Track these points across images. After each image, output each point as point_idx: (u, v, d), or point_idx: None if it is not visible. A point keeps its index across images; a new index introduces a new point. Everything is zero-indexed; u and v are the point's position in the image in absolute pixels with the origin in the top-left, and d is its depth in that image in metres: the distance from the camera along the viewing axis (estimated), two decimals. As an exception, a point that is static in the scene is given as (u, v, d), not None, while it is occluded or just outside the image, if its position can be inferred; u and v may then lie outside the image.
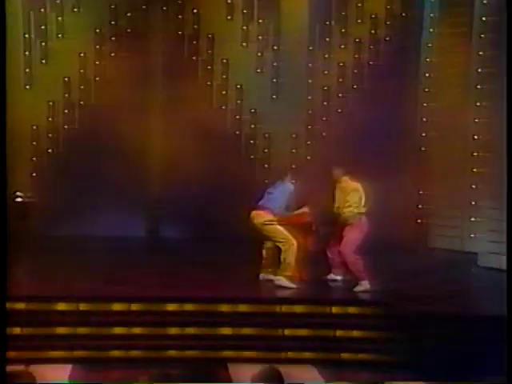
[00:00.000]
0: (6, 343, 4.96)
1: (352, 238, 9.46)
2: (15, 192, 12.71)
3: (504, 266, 10.43)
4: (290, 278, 9.47)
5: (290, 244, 9.40)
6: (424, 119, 12.85)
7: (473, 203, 12.05)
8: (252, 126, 13.15)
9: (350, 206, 9.43)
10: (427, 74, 12.83)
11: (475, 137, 11.95)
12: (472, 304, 9.77)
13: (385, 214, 11.31)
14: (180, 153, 12.38)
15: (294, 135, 13.00)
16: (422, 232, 12.82)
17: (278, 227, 9.50)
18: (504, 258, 10.66)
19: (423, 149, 12.84)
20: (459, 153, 12.23)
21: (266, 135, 13.01)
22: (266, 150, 12.97)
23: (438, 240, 12.59)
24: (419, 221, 12.91)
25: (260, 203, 9.58)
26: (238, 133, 13.12)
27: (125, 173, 12.31)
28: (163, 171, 12.80)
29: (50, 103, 12.97)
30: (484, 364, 7.77)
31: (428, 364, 7.95)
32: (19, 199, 12.81)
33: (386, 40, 13.17)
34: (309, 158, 12.86)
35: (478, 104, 11.90)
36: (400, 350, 8.35)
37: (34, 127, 12.98)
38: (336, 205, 9.55)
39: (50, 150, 13.07)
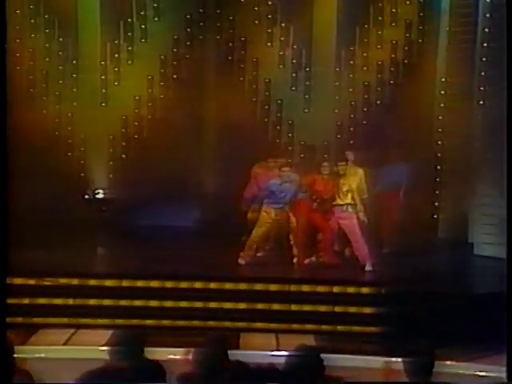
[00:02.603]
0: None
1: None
2: (96, 189, 13.40)
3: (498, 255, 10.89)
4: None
5: None
6: (439, 130, 12.94)
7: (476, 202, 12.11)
8: (289, 135, 13.52)
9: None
10: (442, 92, 12.91)
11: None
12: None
13: (405, 210, 11.73)
14: (231, 155, 12.74)
15: (325, 143, 13.24)
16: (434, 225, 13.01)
17: None
18: (497, 247, 11.09)
19: (439, 155, 13.00)
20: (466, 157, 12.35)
21: (302, 143, 13.30)
22: (302, 155, 13.40)
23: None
24: (435, 216, 13.21)
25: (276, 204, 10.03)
26: (277, 141, 13.47)
27: (182, 171, 12.72)
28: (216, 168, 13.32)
29: (123, 117, 13.34)
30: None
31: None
32: (99, 195, 13.45)
33: (404, 62, 13.31)
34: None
35: (480, 117, 12.07)
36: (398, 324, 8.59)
37: (111, 137, 13.42)
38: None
39: (123, 156, 13.48)
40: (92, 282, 9.09)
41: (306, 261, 10.14)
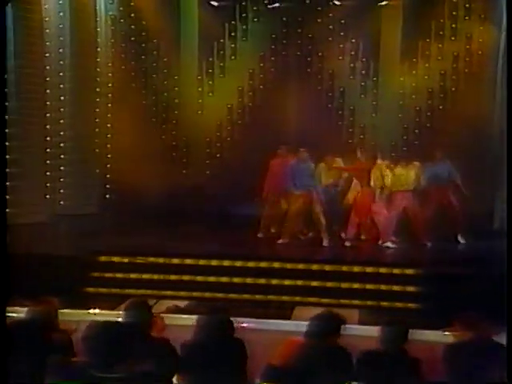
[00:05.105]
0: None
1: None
2: (196, 184, 13.60)
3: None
4: None
5: None
6: (497, 132, 12.37)
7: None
8: (361, 137, 13.71)
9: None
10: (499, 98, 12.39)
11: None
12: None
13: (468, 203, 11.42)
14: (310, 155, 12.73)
15: (393, 143, 13.37)
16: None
17: None
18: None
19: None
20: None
21: (372, 143, 13.39)
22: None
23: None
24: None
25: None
26: (350, 141, 13.58)
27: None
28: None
29: (218, 123, 13.84)
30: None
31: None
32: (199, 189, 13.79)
33: (465, 72, 13.20)
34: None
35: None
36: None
37: (207, 139, 13.93)
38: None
39: (217, 155, 13.99)
40: (175, 261, 9.63)
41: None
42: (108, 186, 13.74)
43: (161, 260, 9.76)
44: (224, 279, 9.40)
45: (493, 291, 8.43)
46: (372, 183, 10.52)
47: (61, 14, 12.43)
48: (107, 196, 13.68)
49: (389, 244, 10.56)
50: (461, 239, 11.25)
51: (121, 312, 4.48)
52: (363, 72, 13.51)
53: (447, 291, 8.61)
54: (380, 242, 10.62)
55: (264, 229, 11.18)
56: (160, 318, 4.62)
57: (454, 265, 9.49)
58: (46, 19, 12.15)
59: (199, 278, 9.43)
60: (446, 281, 8.90)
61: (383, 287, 9.09)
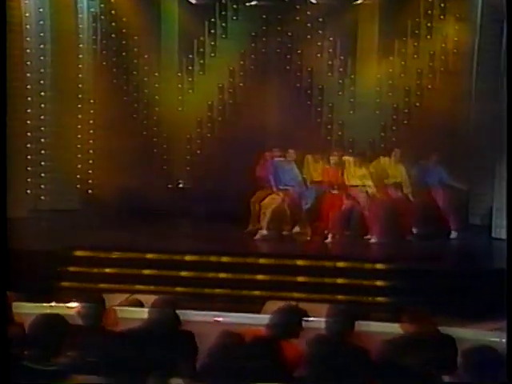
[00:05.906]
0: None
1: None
2: (178, 180, 13.81)
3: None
4: None
5: None
6: (472, 130, 12.50)
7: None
8: (339, 134, 13.66)
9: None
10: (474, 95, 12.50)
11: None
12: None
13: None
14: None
15: (370, 140, 13.35)
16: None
17: None
18: None
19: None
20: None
21: (350, 140, 13.41)
22: (350, 151, 13.32)
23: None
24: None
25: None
26: (329, 138, 13.59)
27: (247, 164, 12.20)
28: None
29: (198, 119, 13.72)
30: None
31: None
32: (180, 185, 13.88)
33: (441, 70, 13.19)
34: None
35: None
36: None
37: (188, 136, 13.79)
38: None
39: (198, 151, 13.85)
40: (149, 256, 9.58)
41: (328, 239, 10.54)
42: (90, 182, 13.73)
43: (135, 255, 9.71)
44: (199, 274, 9.34)
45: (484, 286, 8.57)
46: (356, 179, 10.48)
47: (41, 9, 12.42)
48: (89, 191, 13.66)
49: (372, 239, 10.51)
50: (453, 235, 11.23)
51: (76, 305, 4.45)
52: (341, 69, 13.47)
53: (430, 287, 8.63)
54: (365, 237, 10.58)
55: (249, 224, 11.10)
56: (113, 311, 4.60)
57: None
58: (26, 15, 12.13)
59: (173, 273, 9.38)
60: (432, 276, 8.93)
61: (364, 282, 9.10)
